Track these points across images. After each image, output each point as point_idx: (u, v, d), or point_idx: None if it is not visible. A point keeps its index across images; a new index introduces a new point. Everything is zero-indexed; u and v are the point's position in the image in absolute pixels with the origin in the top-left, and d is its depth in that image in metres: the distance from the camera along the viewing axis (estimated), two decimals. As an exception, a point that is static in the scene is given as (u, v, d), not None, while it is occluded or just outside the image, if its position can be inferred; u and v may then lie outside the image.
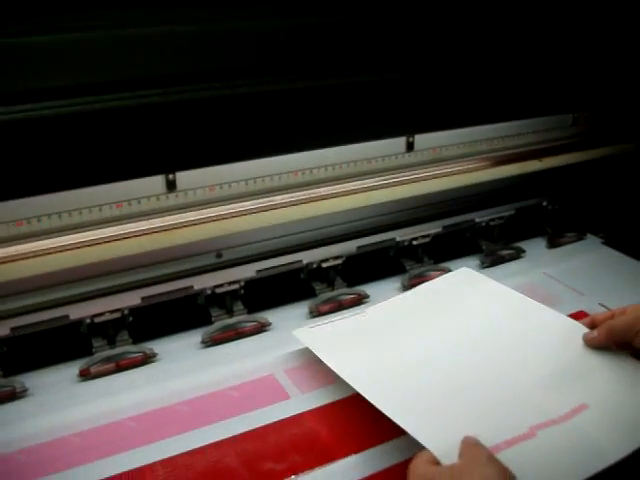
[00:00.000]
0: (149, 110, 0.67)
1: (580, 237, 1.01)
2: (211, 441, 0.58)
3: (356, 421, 0.60)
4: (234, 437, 0.59)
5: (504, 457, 0.47)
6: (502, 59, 0.88)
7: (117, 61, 0.65)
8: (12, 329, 0.66)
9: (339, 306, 0.81)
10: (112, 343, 0.71)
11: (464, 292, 0.74)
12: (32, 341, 0.68)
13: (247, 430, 0.59)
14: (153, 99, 0.67)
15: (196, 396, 0.64)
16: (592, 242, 1.01)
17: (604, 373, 0.59)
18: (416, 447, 0.50)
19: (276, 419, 0.61)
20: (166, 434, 0.59)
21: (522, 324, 0.67)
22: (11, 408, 0.63)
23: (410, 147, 0.85)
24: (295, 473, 0.54)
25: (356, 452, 0.57)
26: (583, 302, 0.81)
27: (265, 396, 0.64)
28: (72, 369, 0.68)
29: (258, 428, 0.60)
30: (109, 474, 0.55)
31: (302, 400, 0.64)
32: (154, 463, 0.56)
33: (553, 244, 0.99)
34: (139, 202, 0.68)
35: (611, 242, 0.99)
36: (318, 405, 0.63)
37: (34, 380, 0.67)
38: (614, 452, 0.51)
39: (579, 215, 1.02)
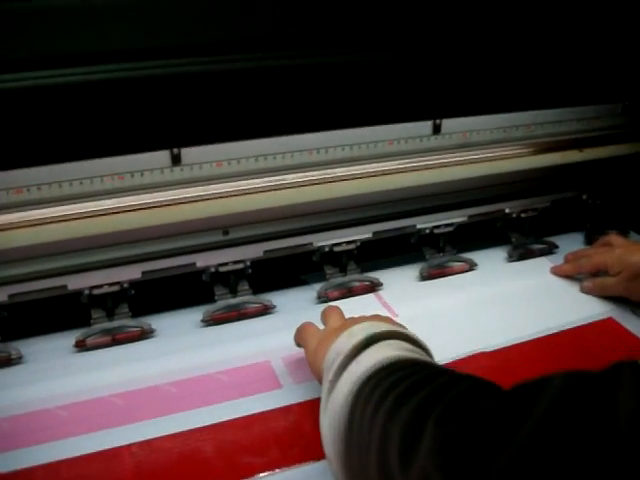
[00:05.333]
0: (155, 82, 0.64)
1: (621, 235, 0.94)
2: (192, 427, 0.56)
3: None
4: (216, 425, 0.57)
5: None
6: (544, 37, 0.81)
7: (123, 29, 0.63)
8: (10, 296, 0.65)
9: (349, 292, 0.78)
10: (111, 315, 0.70)
11: None
12: (31, 309, 0.67)
13: (231, 418, 0.58)
14: (160, 70, 0.64)
15: (186, 377, 0.63)
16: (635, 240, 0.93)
17: None
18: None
19: (264, 409, 0.59)
20: (150, 415, 0.58)
21: None
22: (4, 374, 0.63)
23: (437, 130, 0.79)
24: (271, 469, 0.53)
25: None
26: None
27: (257, 383, 0.63)
28: (69, 339, 0.67)
29: (243, 417, 0.58)
30: (87, 451, 0.54)
31: (294, 390, 0.62)
32: (132, 444, 0.54)
33: (591, 241, 0.92)
34: (142, 175, 0.66)
35: (656, 242, 0.91)
36: (310, 397, 0.60)
37: (30, 347, 0.66)
38: None
39: (622, 211, 0.95)
